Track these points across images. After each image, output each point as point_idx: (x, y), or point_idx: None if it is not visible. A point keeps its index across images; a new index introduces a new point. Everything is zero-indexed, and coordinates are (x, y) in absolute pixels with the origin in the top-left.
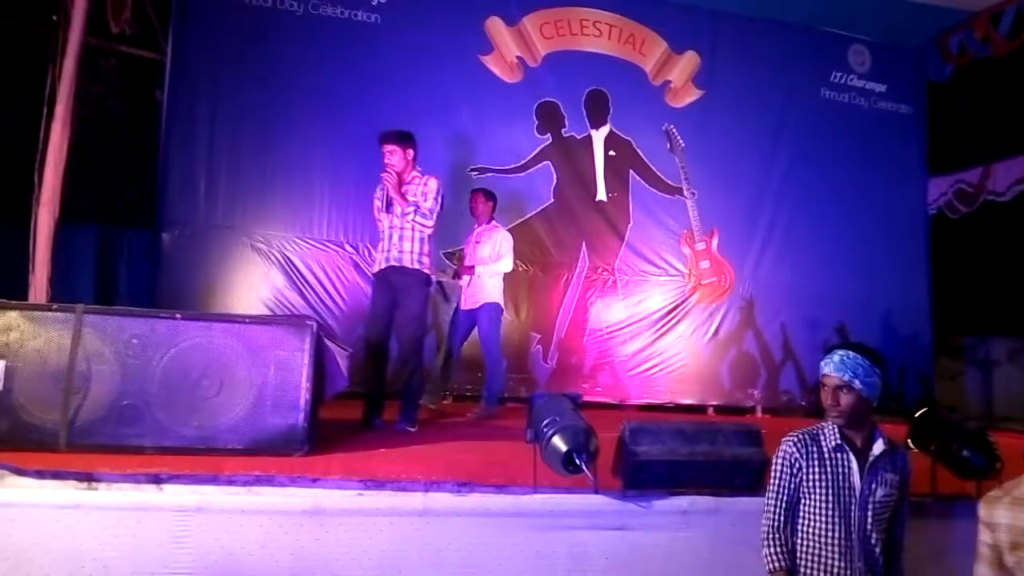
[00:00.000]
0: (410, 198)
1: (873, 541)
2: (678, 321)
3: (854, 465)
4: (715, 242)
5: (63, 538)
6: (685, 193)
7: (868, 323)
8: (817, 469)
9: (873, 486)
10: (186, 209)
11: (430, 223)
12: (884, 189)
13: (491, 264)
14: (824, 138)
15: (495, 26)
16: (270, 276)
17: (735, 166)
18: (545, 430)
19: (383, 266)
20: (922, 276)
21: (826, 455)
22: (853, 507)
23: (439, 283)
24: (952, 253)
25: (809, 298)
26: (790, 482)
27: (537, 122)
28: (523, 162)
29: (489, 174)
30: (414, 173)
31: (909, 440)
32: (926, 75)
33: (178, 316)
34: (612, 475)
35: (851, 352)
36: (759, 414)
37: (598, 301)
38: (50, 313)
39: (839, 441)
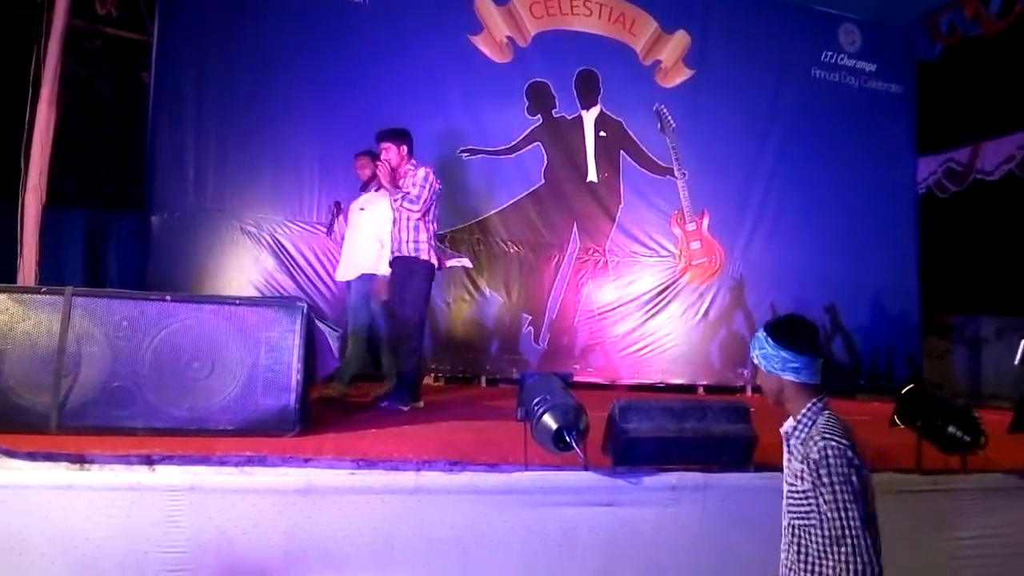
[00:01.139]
0: (403, 188)
1: (790, 536)
2: (669, 302)
3: (785, 452)
4: (706, 222)
5: (57, 519)
6: (676, 174)
7: (857, 303)
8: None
9: (787, 466)
10: (175, 192)
11: (416, 207)
12: (874, 168)
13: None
14: (815, 117)
15: (485, 6)
16: (260, 259)
17: (726, 146)
18: (536, 408)
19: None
20: (911, 255)
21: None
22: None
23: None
24: (941, 232)
25: (799, 278)
26: None
27: (527, 103)
28: (513, 143)
29: (480, 155)
30: (408, 166)
31: (895, 416)
32: (916, 54)
33: (168, 298)
34: (602, 453)
35: (770, 340)
36: (749, 393)
37: (589, 282)
38: (39, 296)
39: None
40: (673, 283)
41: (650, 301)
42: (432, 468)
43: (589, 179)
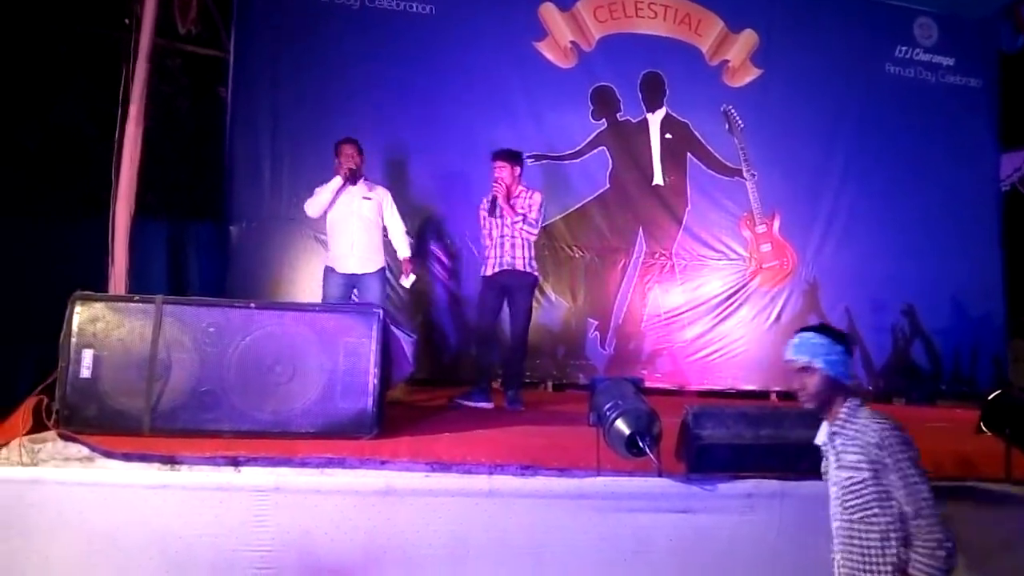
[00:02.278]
0: (518, 210)
1: (845, 531)
2: (739, 306)
3: (832, 457)
4: (776, 224)
5: (151, 517)
6: (745, 175)
7: (937, 304)
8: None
9: (837, 467)
10: (252, 202)
11: (535, 231)
12: (953, 166)
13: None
14: (889, 115)
15: (549, 12)
16: None
17: (796, 146)
18: (608, 413)
19: (496, 270)
20: (995, 255)
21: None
22: (830, 495)
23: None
24: None
25: (875, 280)
26: None
27: (592, 107)
28: (578, 148)
29: (545, 161)
30: (520, 188)
31: (982, 423)
32: (997, 46)
33: (252, 305)
34: (675, 459)
35: (807, 333)
36: None
37: (656, 286)
38: (132, 304)
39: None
40: (743, 286)
41: (719, 305)
42: (504, 472)
43: (655, 182)
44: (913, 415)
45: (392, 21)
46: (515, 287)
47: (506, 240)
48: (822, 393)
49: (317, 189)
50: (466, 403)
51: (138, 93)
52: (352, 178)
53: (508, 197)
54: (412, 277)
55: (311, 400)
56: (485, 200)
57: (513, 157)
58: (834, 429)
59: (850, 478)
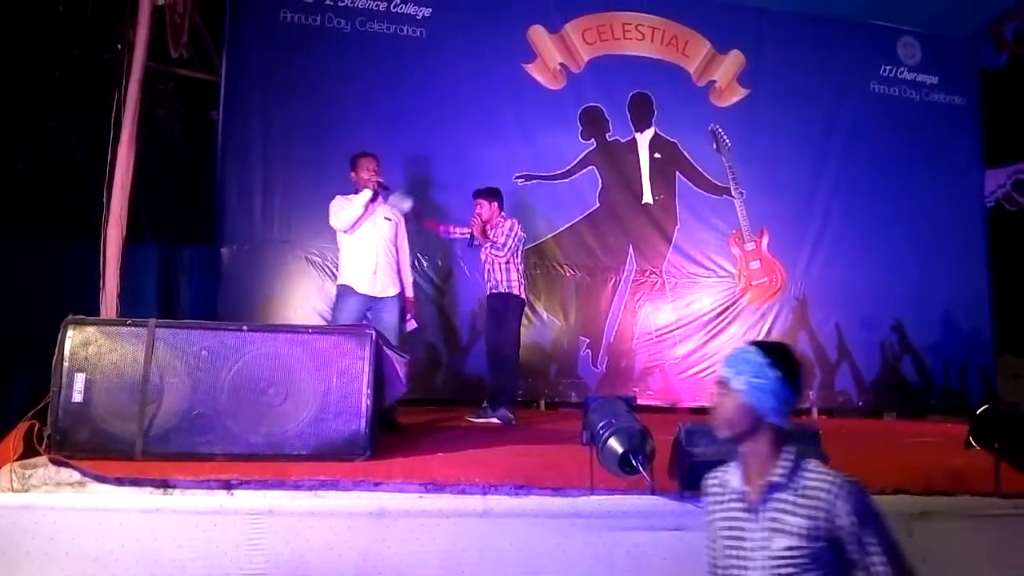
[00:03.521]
0: (492, 238)
1: None
2: (729, 323)
3: (742, 504)
4: (765, 242)
5: (144, 541)
6: (733, 193)
7: (926, 320)
8: (719, 513)
9: (769, 530)
10: (243, 225)
11: (501, 253)
12: (939, 183)
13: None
14: (875, 133)
15: (537, 34)
16: (324, 287)
17: (784, 164)
18: (601, 432)
19: (485, 292)
20: (981, 270)
21: (726, 493)
22: (742, 564)
23: None
24: (1012, 246)
25: (864, 296)
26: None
27: (581, 127)
28: (568, 168)
29: (534, 181)
30: (498, 219)
31: (971, 437)
32: (979, 64)
33: (244, 328)
34: (668, 476)
35: (749, 347)
36: (815, 415)
37: (647, 304)
38: (125, 328)
39: (736, 473)
40: (733, 303)
41: (710, 322)
42: (498, 492)
43: (644, 201)
44: (904, 429)
45: (383, 44)
46: (498, 308)
47: (487, 266)
48: (736, 423)
49: (340, 201)
50: (477, 420)
51: (130, 116)
52: (383, 194)
53: (484, 230)
54: (414, 324)
55: (304, 422)
56: (468, 228)
57: (490, 194)
58: (772, 480)
59: (791, 548)
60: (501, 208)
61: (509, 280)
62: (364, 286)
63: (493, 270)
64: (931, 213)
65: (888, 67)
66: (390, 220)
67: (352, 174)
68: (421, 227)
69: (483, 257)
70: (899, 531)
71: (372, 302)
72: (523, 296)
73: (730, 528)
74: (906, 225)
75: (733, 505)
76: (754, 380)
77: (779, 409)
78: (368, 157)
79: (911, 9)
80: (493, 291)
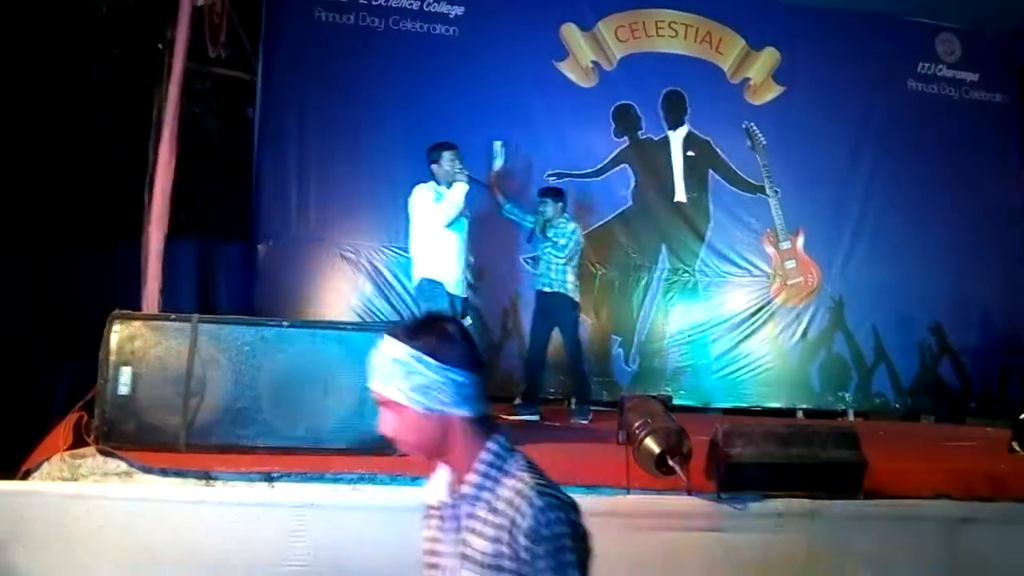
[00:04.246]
0: (552, 237)
1: None
2: (763, 322)
3: (440, 521)
4: (801, 241)
5: (188, 531)
6: (768, 191)
7: (966, 322)
8: (424, 532)
9: (458, 562)
10: (279, 222)
11: (561, 255)
12: (979, 181)
13: None
14: (913, 131)
15: (570, 32)
16: (358, 284)
17: (820, 162)
18: (637, 432)
19: (537, 289)
20: (1022, 271)
21: (428, 508)
22: None
23: None
24: None
25: (902, 297)
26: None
27: (613, 125)
28: (600, 166)
29: (566, 179)
30: (561, 219)
31: (1014, 442)
32: (1020, 61)
33: (285, 323)
34: (705, 477)
35: (383, 341)
36: (851, 418)
37: (679, 303)
38: (169, 323)
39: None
40: (767, 303)
41: (743, 322)
42: None
43: (677, 199)
44: (942, 433)
45: (416, 43)
46: (552, 309)
47: (541, 264)
48: (420, 441)
49: (427, 192)
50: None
51: (170, 116)
52: (477, 187)
53: (544, 229)
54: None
55: (342, 417)
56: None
57: (557, 194)
58: (463, 491)
59: (482, 566)
60: (564, 209)
61: (565, 281)
62: (452, 284)
63: (549, 269)
64: (971, 212)
65: (926, 64)
66: (467, 217)
67: (433, 166)
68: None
69: (541, 254)
70: (940, 537)
71: (453, 299)
72: (577, 299)
73: (430, 553)
74: (945, 225)
75: (432, 523)
76: (411, 380)
77: (460, 397)
78: (451, 149)
79: (950, 5)
80: (546, 289)
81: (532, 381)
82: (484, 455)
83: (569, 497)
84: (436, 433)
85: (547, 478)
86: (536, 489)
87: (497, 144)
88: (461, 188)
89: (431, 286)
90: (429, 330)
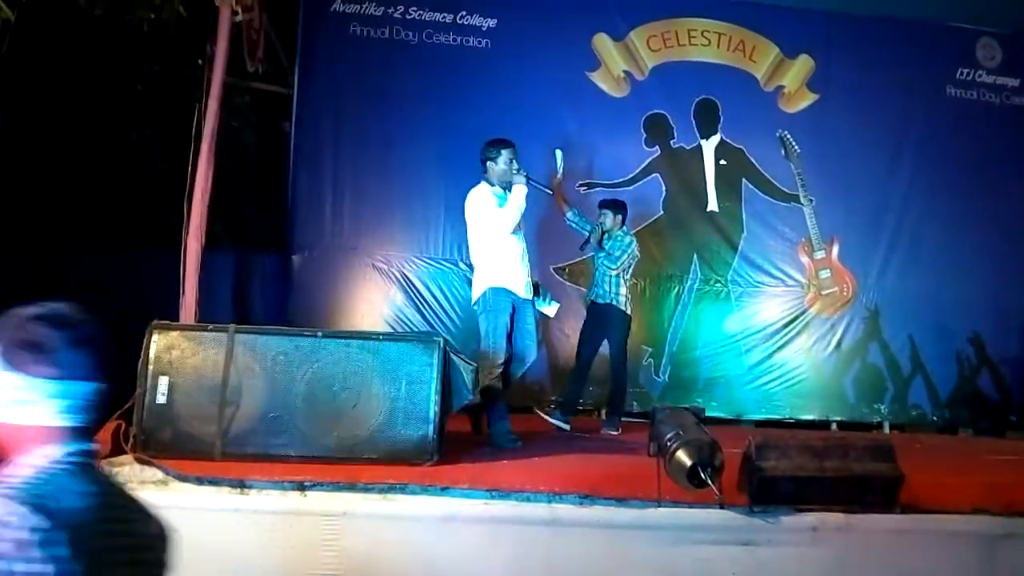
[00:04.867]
0: (608, 249)
1: None
2: (797, 333)
3: None
4: (836, 250)
5: (223, 539)
6: (802, 200)
7: (1006, 333)
8: None
9: None
10: (313, 233)
11: (614, 267)
12: (1019, 189)
13: None
14: (952, 138)
15: (602, 42)
16: (390, 294)
17: (856, 170)
18: (669, 444)
19: (590, 299)
20: None
21: None
22: None
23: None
24: None
25: (939, 307)
26: None
27: (645, 135)
28: (632, 175)
29: (598, 188)
30: (619, 232)
31: None
32: None
33: (319, 334)
34: (737, 490)
35: None
36: (886, 430)
37: (711, 313)
38: (206, 333)
39: None
40: (801, 314)
41: (777, 332)
42: (564, 501)
43: (710, 208)
44: (981, 446)
45: (449, 55)
46: (604, 320)
47: (596, 275)
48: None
49: (486, 196)
50: (546, 417)
51: (209, 130)
52: (542, 187)
53: (601, 240)
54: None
55: (374, 427)
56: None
57: (617, 206)
58: None
59: None
60: (623, 222)
61: (617, 293)
62: (519, 287)
63: (603, 280)
64: (1012, 221)
65: (966, 70)
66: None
67: (488, 163)
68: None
69: (596, 266)
70: (979, 553)
71: (520, 304)
72: (628, 312)
73: None
74: (984, 233)
75: None
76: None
77: (55, 410)
78: (510, 147)
79: (990, 9)
80: (599, 301)
81: (575, 391)
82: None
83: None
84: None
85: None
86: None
87: (558, 153)
88: (521, 190)
89: (496, 296)
90: (45, 326)
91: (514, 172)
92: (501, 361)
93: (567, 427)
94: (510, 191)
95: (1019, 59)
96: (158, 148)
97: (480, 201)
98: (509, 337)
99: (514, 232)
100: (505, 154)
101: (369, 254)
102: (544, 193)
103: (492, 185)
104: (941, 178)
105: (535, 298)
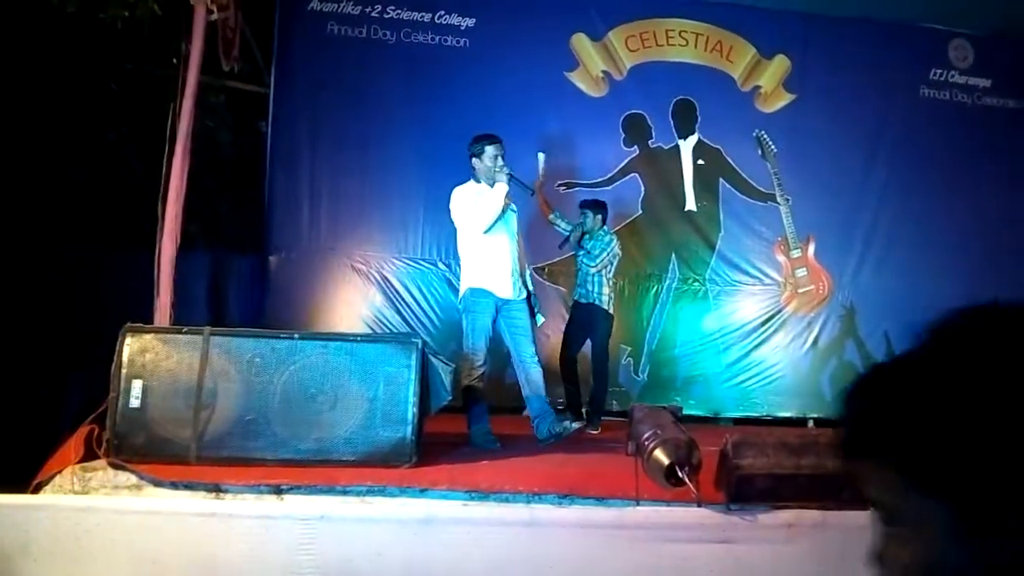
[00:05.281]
0: (589, 248)
1: None
2: (774, 331)
3: None
4: (812, 249)
5: (198, 544)
6: (778, 199)
7: None
8: None
9: None
10: (291, 233)
11: (594, 265)
12: (994, 187)
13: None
14: (925, 138)
15: (580, 42)
16: (369, 295)
17: (831, 170)
18: (646, 443)
19: (573, 299)
20: None
21: None
22: None
23: None
24: None
25: (915, 305)
26: None
27: (624, 135)
28: (610, 175)
29: (577, 188)
30: (599, 231)
31: None
32: None
33: (296, 336)
34: (715, 488)
35: None
36: None
37: (690, 312)
38: (180, 336)
39: None
40: (778, 312)
41: (754, 331)
42: (543, 501)
43: (687, 208)
44: None
45: (427, 55)
46: (587, 320)
47: (579, 275)
48: None
49: (465, 194)
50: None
51: (184, 129)
52: (519, 187)
53: (581, 239)
54: (542, 319)
55: (352, 429)
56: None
57: (597, 206)
58: None
59: None
60: (604, 222)
61: (600, 293)
62: (502, 288)
63: (585, 280)
64: (985, 219)
65: (939, 70)
66: (515, 212)
67: (474, 160)
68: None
69: (579, 267)
70: None
71: (504, 304)
72: (611, 311)
73: None
74: (958, 231)
75: None
76: None
77: None
78: (495, 144)
79: (962, 11)
80: (582, 301)
81: (573, 392)
82: None
83: None
84: None
85: None
86: None
87: (541, 156)
88: (501, 189)
89: (474, 297)
90: None
91: (496, 170)
92: (480, 363)
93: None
94: None
95: (990, 60)
96: (133, 148)
97: (460, 199)
98: (502, 339)
99: (501, 231)
100: (490, 150)
101: (347, 254)
102: (527, 193)
103: (479, 183)
104: (915, 177)
105: None
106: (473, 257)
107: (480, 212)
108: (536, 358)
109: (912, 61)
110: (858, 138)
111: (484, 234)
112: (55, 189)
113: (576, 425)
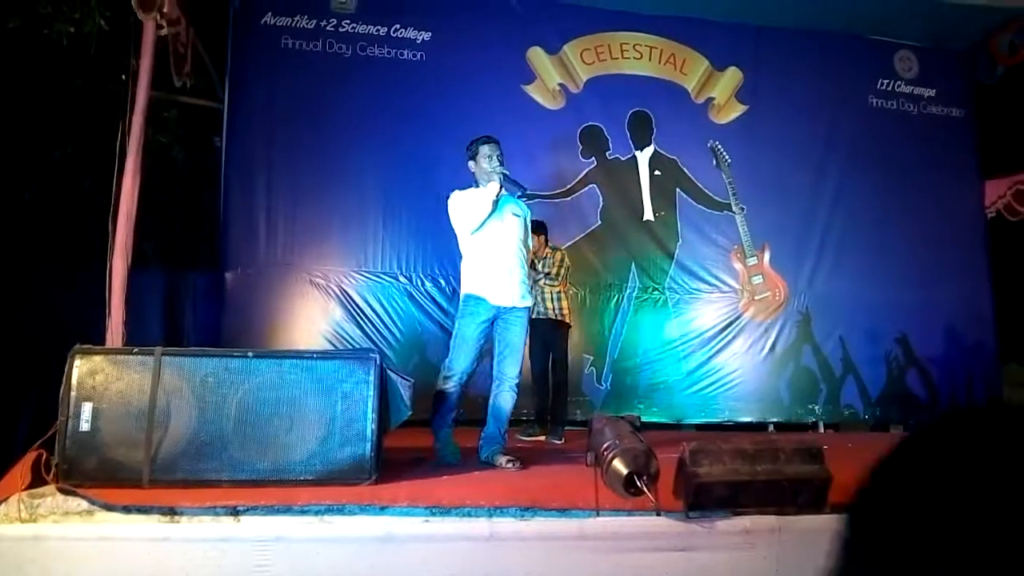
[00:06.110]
0: (543, 269)
1: None
2: (733, 338)
3: None
4: (767, 256)
5: (152, 568)
6: (734, 208)
7: (930, 332)
8: None
9: None
10: (247, 249)
11: (556, 284)
12: (939, 194)
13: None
14: (875, 146)
15: (536, 56)
16: (329, 309)
17: (785, 179)
18: (605, 453)
19: (533, 316)
20: (983, 281)
21: None
22: None
23: None
24: (1014, 256)
25: (868, 309)
26: None
27: (581, 147)
28: (569, 186)
29: (536, 200)
30: (547, 250)
31: None
32: (976, 77)
33: (250, 354)
34: (674, 497)
35: None
36: (821, 430)
37: (650, 321)
38: (131, 356)
39: None
40: (736, 319)
41: (713, 338)
42: (504, 515)
43: (646, 218)
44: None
45: (383, 68)
46: (549, 335)
47: (536, 294)
48: None
49: (461, 197)
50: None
51: (134, 146)
52: (512, 188)
53: (532, 263)
54: None
55: (310, 448)
56: None
57: (539, 227)
58: None
59: None
60: (547, 241)
61: (560, 308)
62: (497, 296)
63: (545, 298)
64: (933, 224)
65: (885, 81)
66: (518, 216)
67: (471, 163)
68: None
69: (534, 286)
70: None
71: (501, 313)
72: (570, 322)
73: None
74: (908, 237)
75: None
76: None
77: None
78: (490, 143)
79: (907, 23)
80: (542, 317)
81: (543, 404)
82: None
83: None
84: None
85: None
86: None
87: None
88: (492, 188)
89: (466, 304)
90: None
91: (490, 170)
92: (458, 368)
93: (560, 442)
94: None
95: (934, 71)
96: (82, 166)
97: (454, 202)
98: (491, 349)
99: (501, 235)
100: (484, 149)
101: (306, 269)
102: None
103: (477, 186)
104: (866, 184)
105: None
106: (469, 262)
107: (469, 212)
108: (515, 382)
109: (860, 72)
110: (810, 147)
111: (472, 235)
112: (2, 207)
113: (507, 461)
